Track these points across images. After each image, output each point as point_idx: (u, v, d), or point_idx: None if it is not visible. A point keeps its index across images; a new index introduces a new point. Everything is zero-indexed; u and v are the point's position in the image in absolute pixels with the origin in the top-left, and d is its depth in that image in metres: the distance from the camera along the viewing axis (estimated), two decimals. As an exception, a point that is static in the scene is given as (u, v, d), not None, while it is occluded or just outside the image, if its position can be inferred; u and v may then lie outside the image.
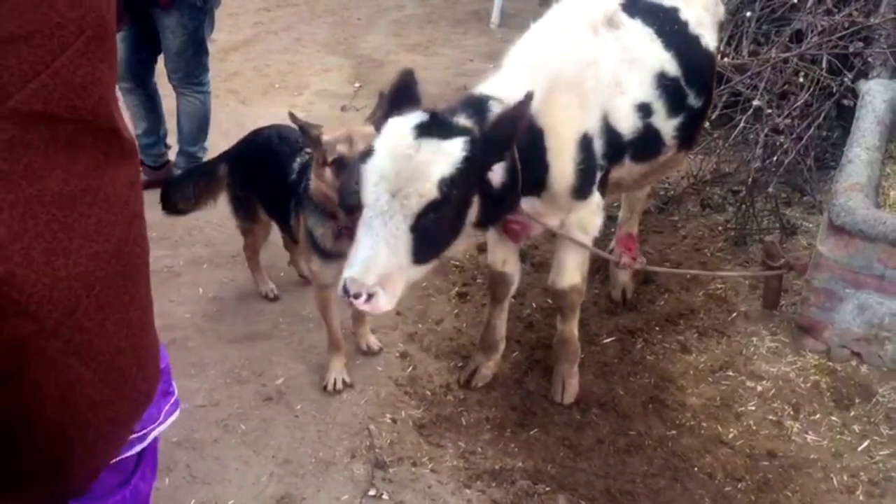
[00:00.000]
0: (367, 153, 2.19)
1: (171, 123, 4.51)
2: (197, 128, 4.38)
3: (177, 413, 1.38)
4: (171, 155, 4.57)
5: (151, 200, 4.33)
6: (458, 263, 3.87)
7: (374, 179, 2.12)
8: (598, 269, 3.80)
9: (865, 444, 2.83)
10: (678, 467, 2.75)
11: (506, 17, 7.56)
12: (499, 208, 2.46)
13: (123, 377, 0.98)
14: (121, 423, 1.04)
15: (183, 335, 3.34)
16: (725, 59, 4.32)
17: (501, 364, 3.17)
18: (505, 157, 2.28)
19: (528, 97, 2.20)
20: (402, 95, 2.33)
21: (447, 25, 7.58)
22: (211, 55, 4.37)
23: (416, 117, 2.19)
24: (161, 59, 4.25)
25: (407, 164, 2.10)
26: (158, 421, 1.29)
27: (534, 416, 2.97)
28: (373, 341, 3.26)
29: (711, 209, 4.28)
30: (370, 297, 2.10)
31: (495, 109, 2.34)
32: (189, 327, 3.39)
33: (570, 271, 2.82)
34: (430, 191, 2.09)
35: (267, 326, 3.42)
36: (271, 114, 4.70)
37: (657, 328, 3.42)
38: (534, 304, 3.56)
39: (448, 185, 2.10)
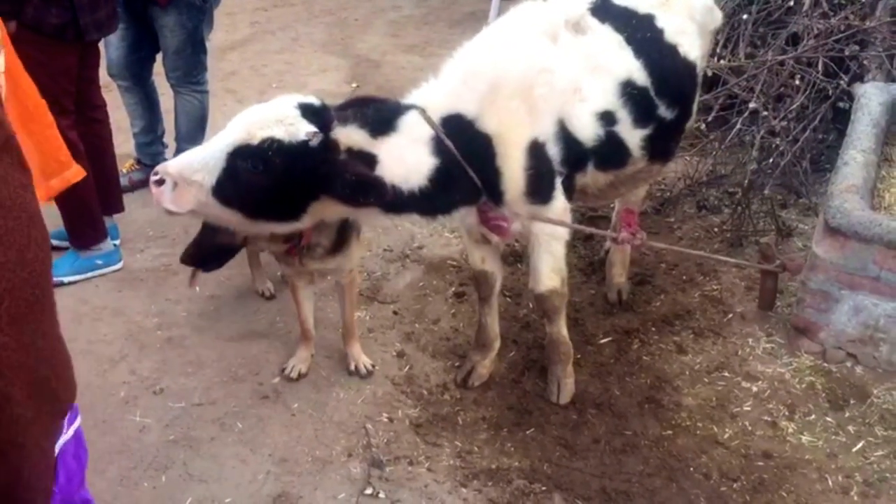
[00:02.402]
0: None
1: (168, 122, 4.51)
2: (194, 127, 4.38)
3: (78, 420, 1.31)
4: (168, 154, 4.57)
5: (147, 199, 4.33)
6: (454, 263, 3.88)
7: (243, 114, 2.30)
8: (594, 269, 3.82)
9: (860, 444, 2.84)
10: (674, 467, 2.76)
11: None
12: (430, 203, 2.50)
13: (44, 390, 0.93)
14: (49, 437, 0.99)
15: (180, 333, 3.34)
16: (722, 62, 4.34)
17: (498, 364, 3.18)
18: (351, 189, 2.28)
19: (382, 185, 2.27)
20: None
21: (444, 26, 7.58)
22: (208, 54, 4.37)
23: (310, 99, 2.33)
24: (159, 57, 4.25)
25: (265, 115, 2.25)
26: (62, 431, 1.22)
27: (530, 415, 2.98)
28: (363, 362, 3.13)
29: (708, 211, 4.30)
30: (161, 182, 2.24)
31: (408, 122, 2.40)
32: (186, 326, 3.39)
33: (546, 276, 2.82)
34: (253, 136, 2.21)
35: (264, 325, 3.43)
36: (269, 113, 4.69)
37: (653, 329, 3.43)
38: (530, 305, 3.56)
39: (270, 145, 2.19)
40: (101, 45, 3.63)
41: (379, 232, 4.09)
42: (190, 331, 3.36)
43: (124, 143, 4.40)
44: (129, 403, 2.97)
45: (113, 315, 3.45)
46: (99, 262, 3.68)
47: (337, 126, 2.30)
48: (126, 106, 4.35)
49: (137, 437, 2.82)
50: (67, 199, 3.31)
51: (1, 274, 0.84)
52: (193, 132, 4.38)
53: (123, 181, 4.22)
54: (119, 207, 3.94)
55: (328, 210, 2.39)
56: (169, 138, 4.56)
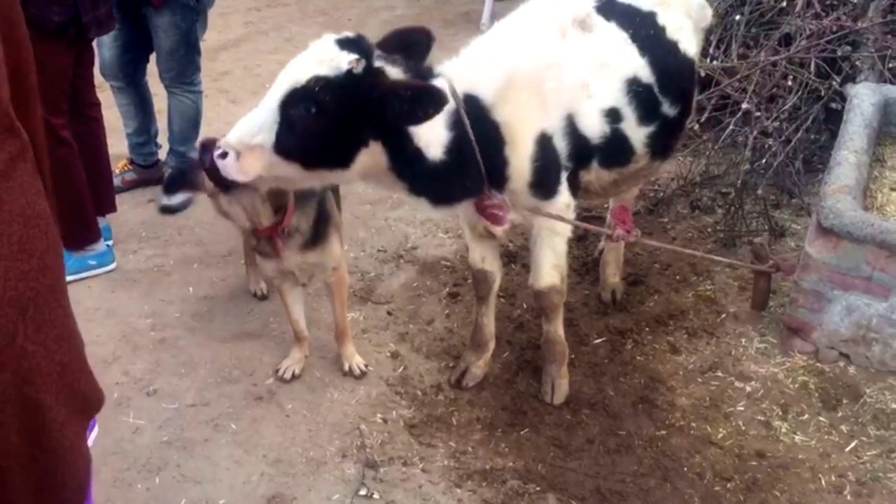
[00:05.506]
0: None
1: (161, 122, 4.50)
2: (188, 127, 4.37)
3: (96, 429, 1.31)
4: (162, 154, 4.56)
5: (140, 200, 4.34)
6: (448, 264, 3.88)
7: (286, 68, 2.30)
8: (588, 270, 3.82)
9: (853, 444, 2.85)
10: (668, 467, 2.77)
11: (496, 19, 7.55)
12: (445, 185, 2.50)
13: (73, 392, 0.94)
14: (82, 437, 1.00)
15: (173, 334, 3.33)
16: (715, 63, 4.35)
17: (492, 364, 3.18)
18: (400, 117, 2.25)
19: (438, 91, 2.23)
20: (403, 42, 2.40)
21: (437, 26, 7.56)
22: (201, 54, 4.36)
23: (346, 34, 2.31)
24: (152, 58, 4.24)
25: (305, 59, 2.26)
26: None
27: (524, 416, 2.98)
28: (357, 363, 3.13)
29: (701, 211, 4.31)
30: (224, 154, 2.23)
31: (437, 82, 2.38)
32: (179, 326, 3.38)
33: (547, 272, 2.83)
34: (300, 79, 2.20)
35: (257, 326, 3.42)
36: (262, 113, 4.69)
37: (647, 329, 3.44)
38: (524, 305, 3.57)
39: (319, 84, 2.18)
40: (93, 44, 3.61)
41: (373, 232, 4.09)
42: (183, 332, 3.35)
43: (117, 143, 4.38)
44: (122, 405, 2.96)
45: (106, 316, 3.44)
46: (92, 262, 3.67)
47: (381, 57, 2.27)
48: (119, 106, 4.33)
49: (131, 438, 2.81)
50: (61, 200, 3.29)
51: (26, 283, 0.83)
52: (187, 132, 4.38)
53: (116, 181, 4.20)
54: (112, 208, 3.93)
55: (373, 162, 2.36)
56: (162, 138, 4.55)
